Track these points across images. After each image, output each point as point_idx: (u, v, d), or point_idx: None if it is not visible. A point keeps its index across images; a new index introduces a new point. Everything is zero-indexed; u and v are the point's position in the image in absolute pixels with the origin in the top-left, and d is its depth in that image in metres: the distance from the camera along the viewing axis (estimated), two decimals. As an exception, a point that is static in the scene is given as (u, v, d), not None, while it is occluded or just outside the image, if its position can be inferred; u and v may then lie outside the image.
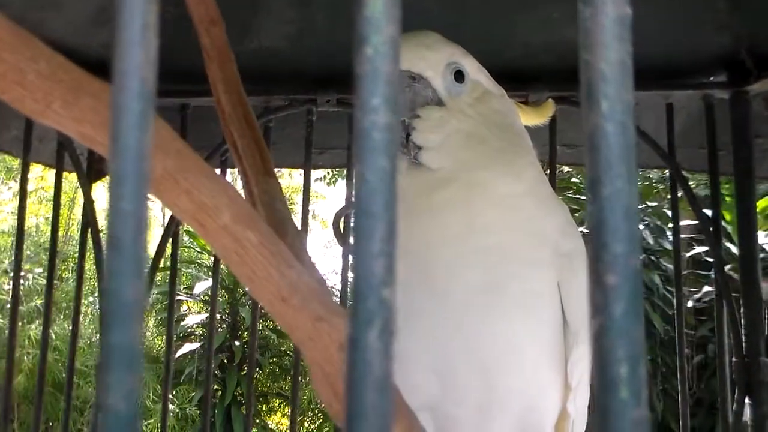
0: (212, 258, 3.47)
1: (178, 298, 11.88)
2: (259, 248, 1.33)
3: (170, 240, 3.16)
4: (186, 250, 13.31)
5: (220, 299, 11.40)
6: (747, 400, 2.76)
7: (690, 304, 9.79)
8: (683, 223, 8.94)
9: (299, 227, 2.78)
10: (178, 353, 11.25)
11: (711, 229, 2.96)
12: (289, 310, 1.37)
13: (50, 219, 3.15)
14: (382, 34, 0.50)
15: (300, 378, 3.08)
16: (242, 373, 10.71)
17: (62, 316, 11.39)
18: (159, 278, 10.91)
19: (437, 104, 1.84)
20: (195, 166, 1.27)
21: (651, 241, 10.31)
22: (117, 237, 0.49)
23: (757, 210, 3.17)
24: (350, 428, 0.47)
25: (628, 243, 0.48)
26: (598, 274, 0.48)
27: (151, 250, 4.26)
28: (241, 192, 1.68)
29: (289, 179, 15.05)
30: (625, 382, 0.47)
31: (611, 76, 0.49)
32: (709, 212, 3.01)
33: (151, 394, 10.92)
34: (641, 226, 10.05)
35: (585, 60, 0.49)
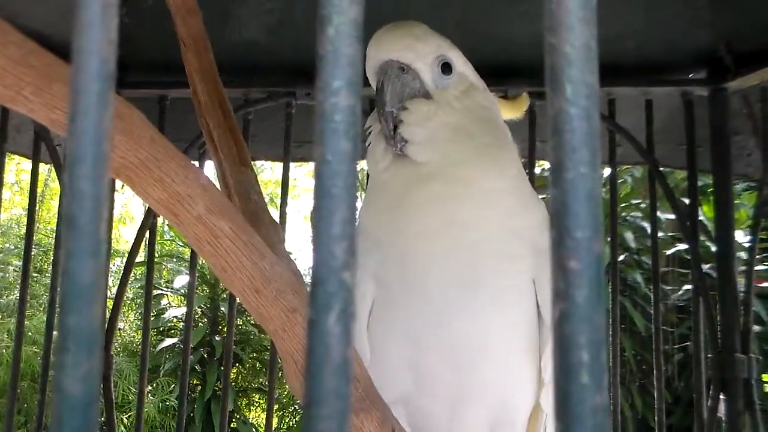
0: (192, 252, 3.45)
1: (159, 292, 11.86)
2: (232, 239, 1.32)
3: (147, 232, 3.14)
4: (167, 244, 13.25)
5: (201, 294, 11.37)
6: (722, 396, 2.77)
7: (671, 302, 9.83)
8: (668, 218, 8.99)
9: (279, 220, 2.77)
10: (159, 347, 11.21)
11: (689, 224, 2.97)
12: (263, 300, 1.37)
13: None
14: (345, 15, 0.49)
15: (279, 373, 3.07)
16: (222, 368, 10.68)
17: (42, 309, 11.32)
18: (139, 272, 10.89)
19: (425, 96, 1.84)
20: (168, 155, 1.26)
21: (632, 241, 10.33)
22: (74, 217, 0.48)
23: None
24: (309, 412, 0.46)
25: (591, 228, 0.48)
26: (560, 260, 0.48)
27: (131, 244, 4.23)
28: (216, 182, 1.67)
29: (271, 173, 14.99)
30: (586, 368, 0.46)
31: (576, 60, 0.48)
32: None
33: (131, 387, 10.86)
34: (623, 225, 10.12)
35: (550, 43, 0.49)
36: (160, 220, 3.60)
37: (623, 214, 10.58)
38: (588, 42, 0.49)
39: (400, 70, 1.82)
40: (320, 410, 0.46)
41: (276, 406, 10.51)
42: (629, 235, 10.36)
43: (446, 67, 1.86)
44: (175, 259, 12.71)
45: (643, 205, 10.39)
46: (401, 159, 1.81)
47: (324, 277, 0.47)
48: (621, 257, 9.98)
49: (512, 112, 2.10)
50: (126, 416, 10.59)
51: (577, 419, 0.46)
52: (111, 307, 3.05)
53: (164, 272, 12.77)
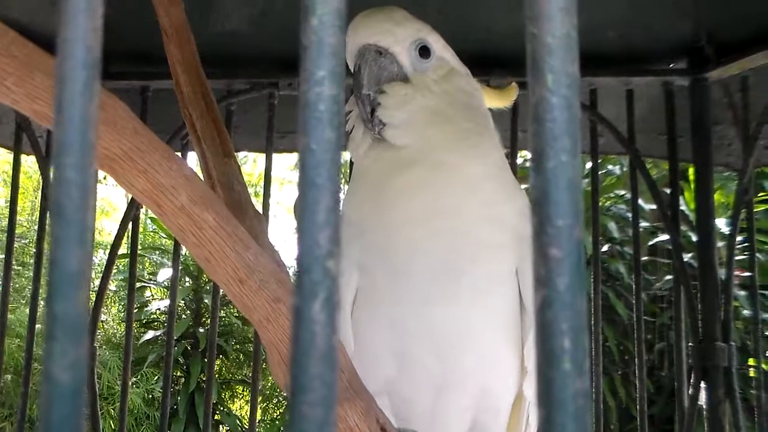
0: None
1: (142, 284, 11.82)
2: (216, 229, 1.32)
3: (130, 224, 3.13)
4: (150, 236, 13.21)
5: (185, 286, 11.34)
6: (702, 384, 2.79)
7: (652, 292, 9.87)
8: (651, 208, 9.01)
9: (262, 211, 2.77)
10: (142, 339, 11.18)
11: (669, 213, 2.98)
12: (247, 291, 1.37)
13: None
14: (328, 5, 0.49)
15: (263, 364, 3.07)
16: (206, 360, 10.62)
17: (24, 302, 11.26)
18: (122, 265, 10.84)
19: (402, 80, 1.84)
20: (152, 145, 1.26)
21: (615, 231, 10.36)
22: (61, 206, 0.48)
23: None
24: (295, 400, 0.47)
25: (572, 216, 0.48)
26: (542, 248, 0.48)
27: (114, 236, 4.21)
28: (200, 174, 1.67)
29: (253, 165, 14.95)
30: (568, 354, 0.47)
31: (557, 49, 0.49)
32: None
33: (116, 379, 10.83)
34: (606, 216, 10.15)
35: (531, 32, 0.50)
36: (143, 211, 3.59)
37: (607, 204, 10.62)
38: (569, 31, 0.49)
39: (377, 54, 1.82)
40: (306, 397, 0.46)
41: (260, 398, 10.51)
42: (612, 226, 10.39)
43: (425, 51, 1.86)
44: (158, 252, 12.67)
45: (627, 196, 10.42)
46: (381, 144, 1.82)
47: (309, 265, 0.48)
48: (604, 248, 10.02)
49: (500, 101, 2.10)
50: (112, 407, 10.56)
51: (559, 405, 0.46)
52: (94, 299, 3.05)
53: (147, 264, 12.73)
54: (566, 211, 0.48)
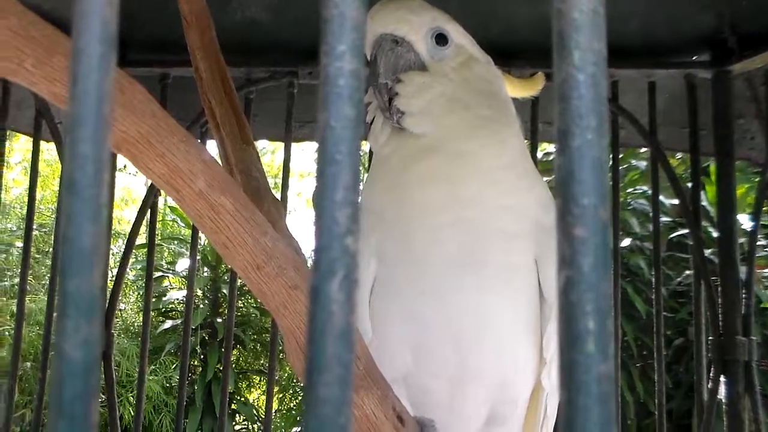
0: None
1: (161, 274, 11.87)
2: (234, 215, 1.32)
3: (149, 212, 3.13)
4: (169, 225, 13.27)
5: (203, 276, 11.38)
6: (722, 379, 2.78)
7: (671, 287, 9.84)
8: (673, 203, 8.97)
9: (280, 200, 2.76)
10: (160, 328, 11.23)
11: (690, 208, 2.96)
12: (264, 277, 1.36)
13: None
14: (350, -23, 0.48)
15: (280, 354, 3.07)
16: (223, 350, 10.69)
17: (44, 291, 11.34)
18: (141, 254, 10.89)
19: (420, 68, 1.83)
20: (170, 129, 1.25)
21: (637, 226, 10.33)
22: (75, 181, 0.47)
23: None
24: (311, 379, 0.46)
25: (597, 195, 0.47)
26: (566, 227, 0.47)
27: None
28: (219, 161, 1.66)
29: (272, 158, 14.99)
30: (593, 336, 0.46)
31: (584, 25, 0.48)
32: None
33: (135, 366, 10.89)
34: (627, 211, 10.11)
35: (557, 9, 0.48)
36: (161, 201, 3.59)
37: (629, 199, 10.58)
38: (596, 7, 0.48)
39: (393, 43, 1.82)
40: (322, 377, 0.45)
41: (276, 388, 10.54)
42: (634, 221, 10.36)
43: (442, 39, 1.85)
44: (177, 242, 12.73)
45: (650, 192, 10.37)
46: (400, 133, 1.81)
47: (327, 243, 0.47)
48: (625, 243, 9.98)
49: (525, 90, 2.09)
50: (131, 394, 10.63)
51: (582, 388, 0.45)
52: (111, 287, 3.05)
53: (166, 254, 12.79)
54: (592, 190, 0.47)
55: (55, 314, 2.97)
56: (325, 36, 0.48)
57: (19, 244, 11.76)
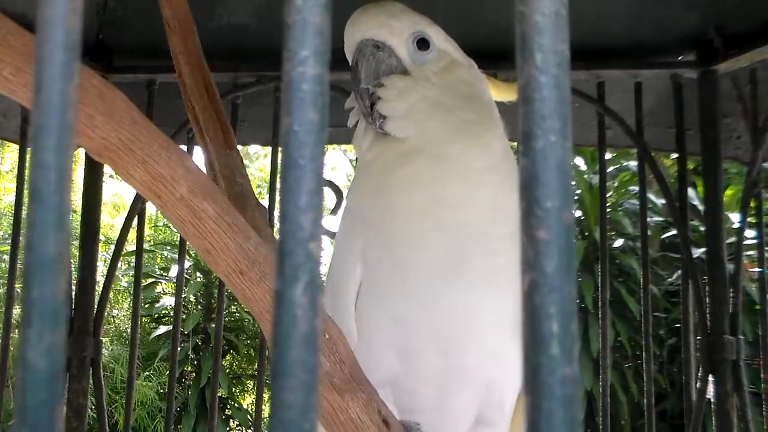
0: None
1: (154, 280, 11.87)
2: (216, 220, 1.32)
3: (137, 218, 3.13)
4: (161, 231, 13.27)
5: (196, 281, 11.38)
6: (710, 378, 2.78)
7: (663, 287, 9.87)
8: (664, 202, 8.98)
9: (268, 207, 2.76)
10: (153, 334, 11.23)
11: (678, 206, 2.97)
12: (247, 282, 1.36)
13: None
14: (312, -16, 0.48)
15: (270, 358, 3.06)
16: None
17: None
18: (134, 261, 10.88)
19: (402, 73, 1.84)
20: (151, 136, 1.25)
21: (629, 226, 10.36)
22: (38, 189, 0.47)
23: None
24: (276, 385, 0.46)
25: (561, 198, 0.47)
26: (529, 230, 0.47)
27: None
28: (203, 167, 1.67)
29: (263, 164, 15.00)
30: (556, 339, 0.46)
31: (546, 28, 0.48)
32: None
33: (127, 373, 10.94)
34: (620, 213, 10.13)
35: (519, 11, 0.48)
36: (151, 206, 3.58)
37: (620, 200, 10.61)
38: (558, 10, 0.48)
39: (375, 48, 1.83)
40: (286, 381, 0.45)
41: (268, 393, 10.53)
42: (626, 221, 10.39)
43: (424, 44, 1.85)
44: (169, 247, 12.73)
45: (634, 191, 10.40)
46: (383, 138, 1.82)
47: (291, 248, 0.47)
48: (618, 243, 10.00)
49: (510, 93, 2.08)
50: (124, 399, 10.67)
51: (546, 391, 0.45)
52: (100, 293, 3.05)
53: (159, 260, 12.79)
54: (555, 193, 0.47)
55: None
56: (288, 42, 0.48)
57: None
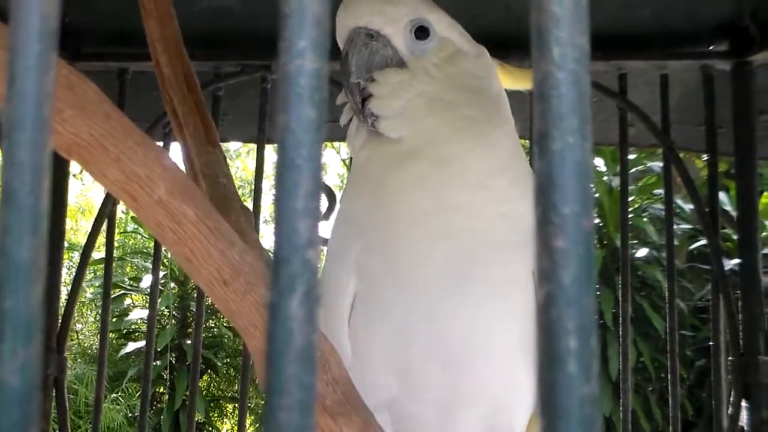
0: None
1: (122, 291, 11.82)
2: (197, 225, 1.32)
3: (106, 222, 3.13)
4: (132, 237, 13.23)
5: (170, 292, 11.34)
6: (744, 403, 2.77)
7: (692, 302, 9.81)
8: (692, 208, 8.95)
9: (253, 210, 2.77)
10: (122, 352, 11.20)
11: (708, 212, 2.97)
12: (231, 294, 1.37)
13: None
14: (311, -31, 0.49)
15: (253, 378, 3.07)
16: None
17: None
18: (99, 270, 10.85)
19: (398, 65, 1.82)
20: (126, 131, 1.26)
21: (654, 234, 10.28)
22: (12, 190, 0.48)
23: None
24: (271, 403, 0.47)
25: (580, 204, 0.48)
26: (546, 238, 0.48)
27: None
28: (182, 165, 1.67)
29: (244, 159, 14.98)
30: (574, 356, 0.47)
31: (564, 20, 0.49)
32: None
33: (92, 394, 10.88)
34: (644, 219, 10.06)
35: (536, 1, 0.49)
36: (122, 209, 3.58)
37: (644, 205, 10.55)
38: (578, 0, 0.49)
39: (368, 37, 1.81)
40: (281, 400, 0.46)
41: (251, 417, 10.52)
42: (650, 229, 10.30)
43: (423, 32, 1.83)
44: (140, 255, 12.68)
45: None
46: (377, 137, 1.81)
47: (287, 256, 0.48)
48: (641, 253, 9.93)
49: (523, 82, 2.05)
50: (89, 424, 10.61)
51: (563, 412, 0.46)
52: (65, 306, 3.05)
53: (129, 269, 12.75)
54: (573, 198, 0.48)
55: None
56: (284, 32, 0.49)
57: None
